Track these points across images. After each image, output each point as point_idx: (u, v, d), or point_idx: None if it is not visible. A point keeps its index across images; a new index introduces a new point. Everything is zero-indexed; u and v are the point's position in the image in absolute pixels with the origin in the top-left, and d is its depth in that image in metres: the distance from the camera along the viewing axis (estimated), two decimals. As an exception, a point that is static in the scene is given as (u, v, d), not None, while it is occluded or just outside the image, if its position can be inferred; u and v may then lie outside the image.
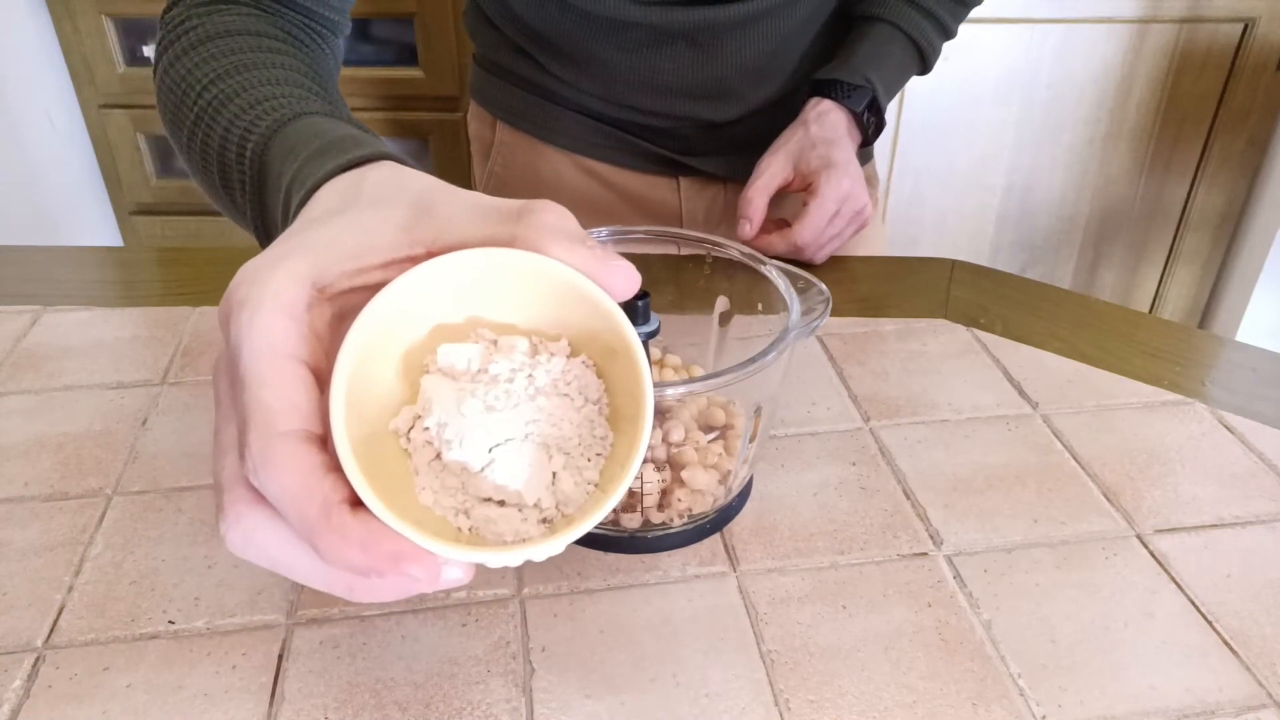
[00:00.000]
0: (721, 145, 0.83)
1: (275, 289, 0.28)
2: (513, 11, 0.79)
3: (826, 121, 0.76)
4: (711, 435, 0.47)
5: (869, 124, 0.79)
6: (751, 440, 0.47)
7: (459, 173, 1.71)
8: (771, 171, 0.75)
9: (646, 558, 0.47)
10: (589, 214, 0.86)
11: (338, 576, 0.27)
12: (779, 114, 0.79)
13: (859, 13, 0.82)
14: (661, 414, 0.45)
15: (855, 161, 0.76)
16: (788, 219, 0.75)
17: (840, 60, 0.79)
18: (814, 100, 0.78)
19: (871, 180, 0.91)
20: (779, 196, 0.76)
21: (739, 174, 0.79)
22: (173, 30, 0.53)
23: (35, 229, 1.71)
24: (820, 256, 0.75)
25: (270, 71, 0.48)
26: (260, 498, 0.27)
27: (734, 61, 0.79)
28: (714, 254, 0.51)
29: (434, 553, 0.26)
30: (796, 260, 0.74)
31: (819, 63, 0.81)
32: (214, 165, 0.46)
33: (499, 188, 0.90)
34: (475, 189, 0.76)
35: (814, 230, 0.73)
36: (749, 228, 0.74)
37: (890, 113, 1.16)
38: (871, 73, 0.77)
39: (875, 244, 0.89)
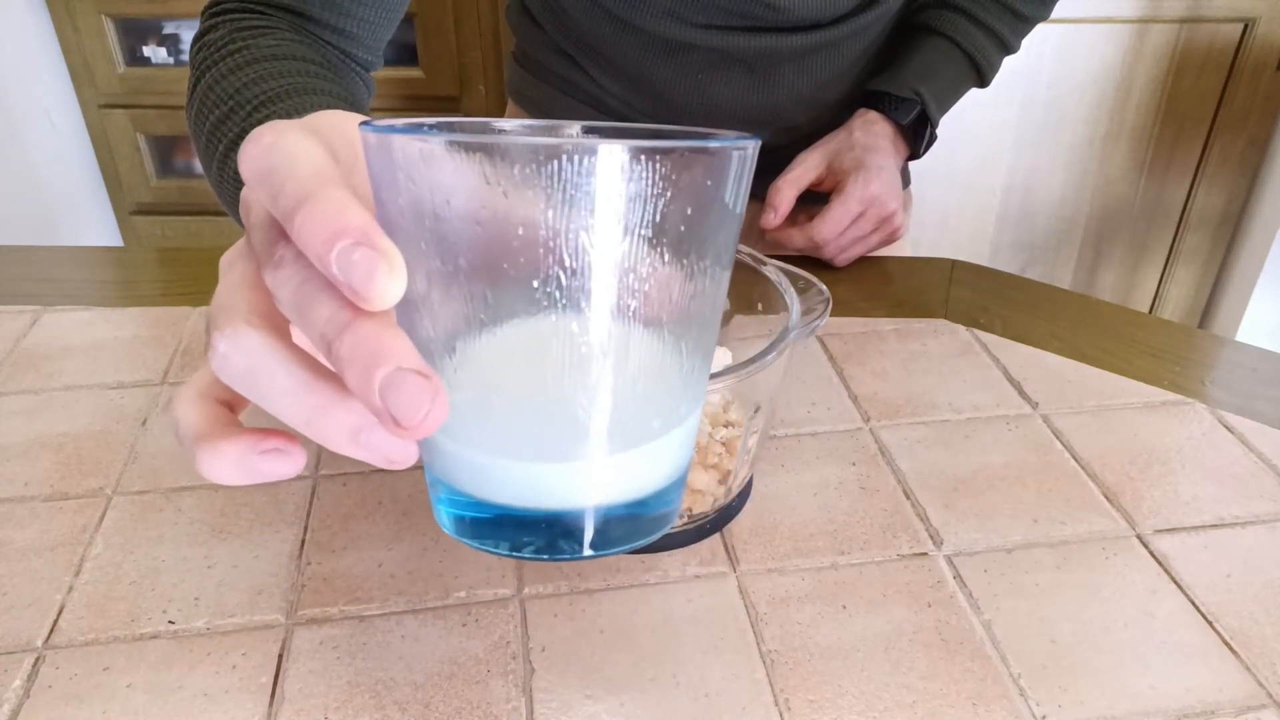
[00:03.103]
0: (764, 166, 0.82)
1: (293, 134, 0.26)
2: (566, 22, 0.78)
3: (871, 130, 0.76)
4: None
5: (923, 137, 0.78)
6: (751, 440, 0.47)
7: (459, 173, 1.71)
8: (805, 166, 0.75)
9: (646, 558, 0.47)
10: None
11: (310, 394, 0.24)
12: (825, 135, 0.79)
13: (914, 24, 0.81)
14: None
15: (892, 170, 0.75)
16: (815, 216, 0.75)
17: (891, 73, 0.79)
18: (861, 110, 0.78)
19: (907, 204, 0.90)
20: (815, 196, 0.76)
21: None
22: (218, 50, 0.53)
23: (35, 229, 1.71)
24: (841, 259, 0.74)
25: (319, 98, 0.49)
26: (257, 316, 0.25)
27: (789, 90, 0.78)
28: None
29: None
30: (816, 258, 0.74)
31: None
32: None
33: None
34: None
35: (833, 227, 0.72)
36: (774, 216, 0.74)
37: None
38: (921, 86, 0.77)
39: (898, 252, 0.88)
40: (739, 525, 0.49)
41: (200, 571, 0.46)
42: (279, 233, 0.25)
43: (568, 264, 0.22)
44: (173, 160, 1.81)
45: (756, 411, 0.46)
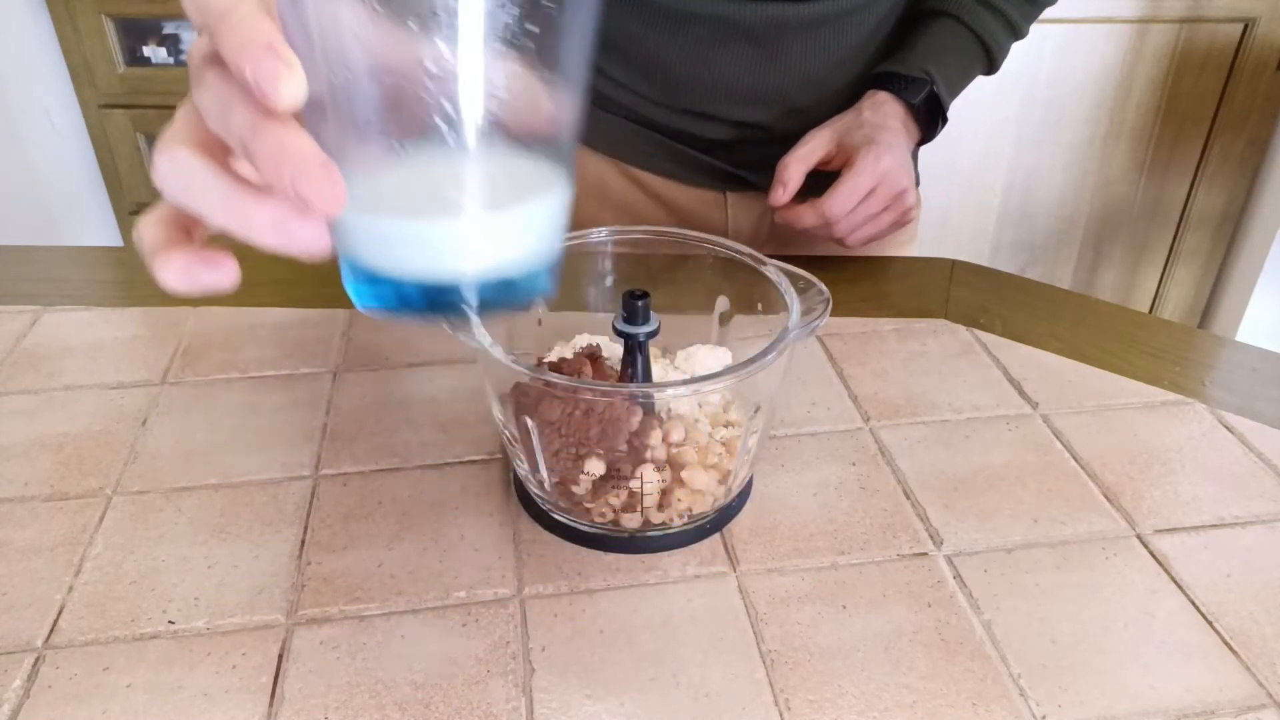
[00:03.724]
0: (773, 160, 0.80)
1: None
2: None
3: (881, 110, 0.75)
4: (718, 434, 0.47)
5: (936, 120, 0.77)
6: (751, 440, 0.47)
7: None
8: (814, 144, 0.74)
9: (646, 558, 0.47)
10: (632, 224, 0.85)
11: (236, 198, 0.29)
12: None
13: (924, 9, 0.80)
14: (662, 414, 0.45)
15: (903, 148, 0.74)
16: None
17: (900, 54, 0.78)
18: (871, 91, 0.77)
19: (917, 202, 0.90)
20: (824, 184, 0.75)
21: None
22: None
23: (35, 229, 1.71)
24: (854, 238, 0.72)
25: None
26: (193, 141, 0.29)
27: (796, 69, 0.77)
28: (714, 254, 0.51)
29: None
30: (820, 253, 0.73)
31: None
32: None
33: None
34: None
35: (844, 203, 0.71)
36: (782, 192, 0.72)
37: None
38: (930, 66, 0.76)
39: (908, 250, 0.88)
40: (739, 525, 0.49)
41: (200, 571, 0.46)
42: (210, 61, 0.29)
43: (434, 71, 0.27)
44: (173, 160, 1.81)
45: (756, 411, 0.46)
